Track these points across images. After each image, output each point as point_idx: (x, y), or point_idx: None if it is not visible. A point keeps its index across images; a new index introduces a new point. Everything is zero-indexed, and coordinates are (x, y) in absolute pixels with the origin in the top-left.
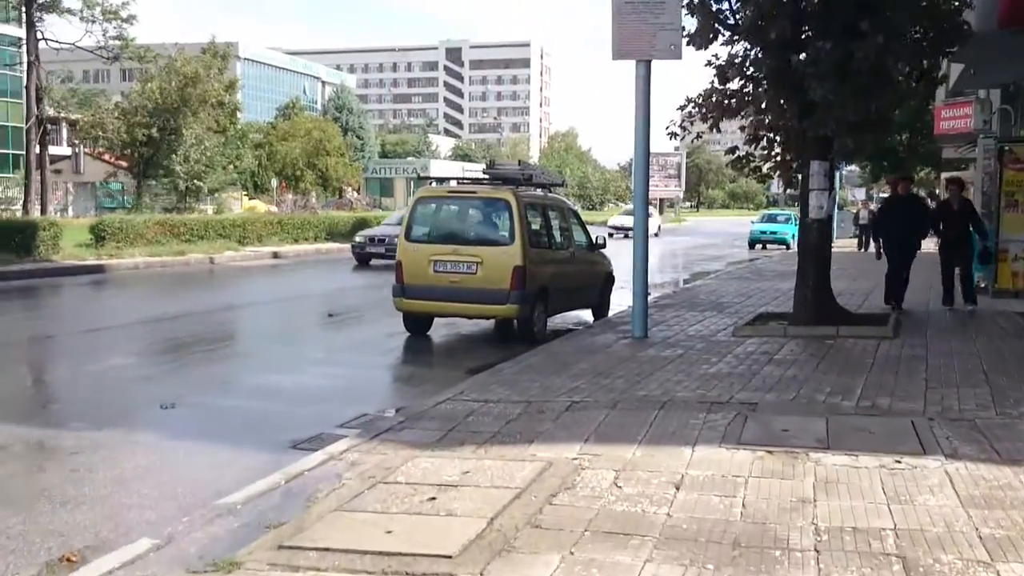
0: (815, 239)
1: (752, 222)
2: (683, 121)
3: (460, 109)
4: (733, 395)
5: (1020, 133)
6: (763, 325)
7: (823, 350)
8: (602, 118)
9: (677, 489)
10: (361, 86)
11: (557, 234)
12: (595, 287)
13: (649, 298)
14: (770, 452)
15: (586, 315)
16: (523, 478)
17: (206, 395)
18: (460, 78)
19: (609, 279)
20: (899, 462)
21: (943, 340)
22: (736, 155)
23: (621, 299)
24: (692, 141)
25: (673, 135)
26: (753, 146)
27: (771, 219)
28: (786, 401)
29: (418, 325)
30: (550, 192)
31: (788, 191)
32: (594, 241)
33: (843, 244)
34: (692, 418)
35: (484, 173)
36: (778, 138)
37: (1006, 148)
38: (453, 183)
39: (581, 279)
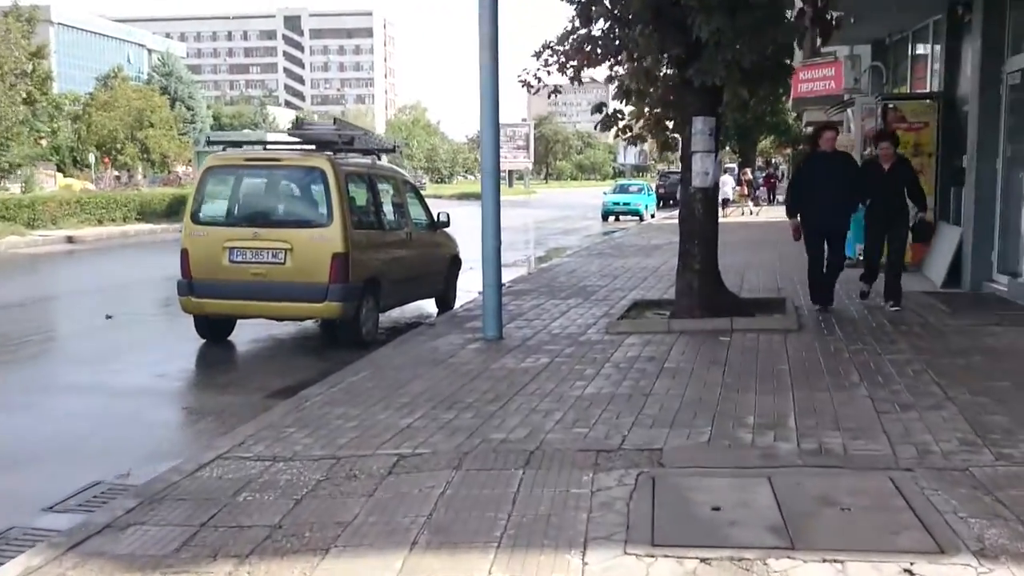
0: (700, 213)
1: (604, 193)
2: (538, 71)
3: (301, 80)
4: (625, 435)
5: (893, 91)
6: (641, 317)
7: (721, 351)
8: (450, 91)
9: None
10: (194, 56)
11: (389, 211)
12: (438, 273)
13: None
14: (707, 562)
15: (429, 306)
16: None
17: None
18: (300, 48)
19: (455, 263)
20: (911, 573)
21: (858, 335)
22: (604, 113)
23: (469, 283)
24: (550, 96)
25: (527, 85)
26: (623, 101)
27: (623, 190)
28: (701, 445)
29: (214, 330)
30: (379, 160)
31: (634, 162)
32: (436, 218)
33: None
34: (574, 484)
35: (289, 135)
36: (653, 91)
37: (891, 106)
38: (251, 148)
39: (421, 265)
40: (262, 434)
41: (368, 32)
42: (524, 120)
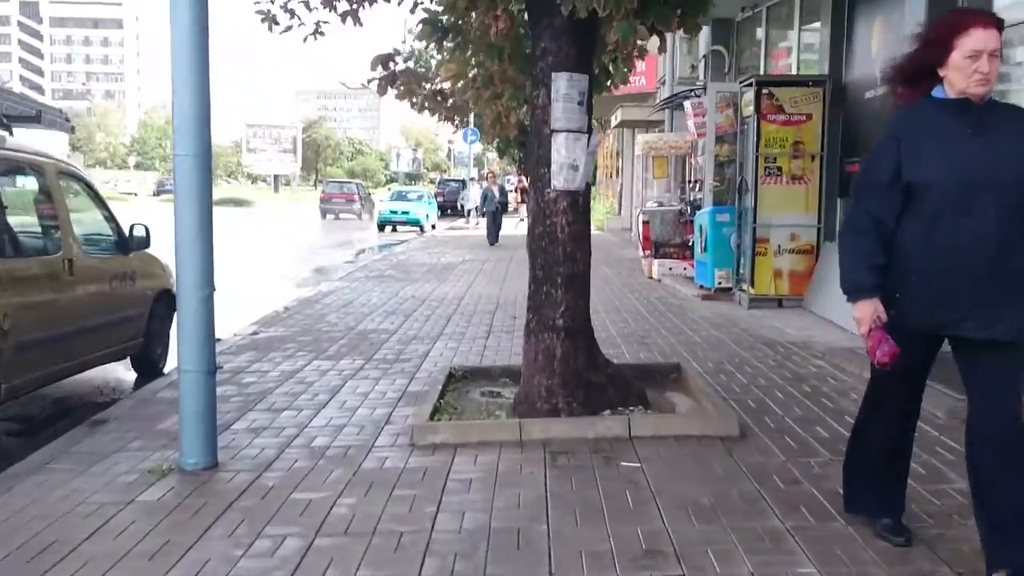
0: (566, 233)
1: (380, 200)
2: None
3: (40, 72)
4: None
5: (737, 80)
6: (466, 407)
7: (647, 509)
8: (213, 92)
9: None
10: None
11: (26, 224)
12: (133, 320)
13: (237, 335)
14: None
15: (122, 370)
16: None
17: None
18: (39, 36)
19: (165, 302)
20: None
21: (833, 441)
22: (392, 69)
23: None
24: (305, 40)
25: (270, 22)
26: (435, 51)
27: (402, 197)
28: None
29: None
30: (11, 137)
31: (408, 170)
32: (128, 234)
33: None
34: None
35: None
36: (493, 29)
37: (765, 91)
38: None
39: (97, 310)
40: None
41: (118, 23)
42: (291, 124)
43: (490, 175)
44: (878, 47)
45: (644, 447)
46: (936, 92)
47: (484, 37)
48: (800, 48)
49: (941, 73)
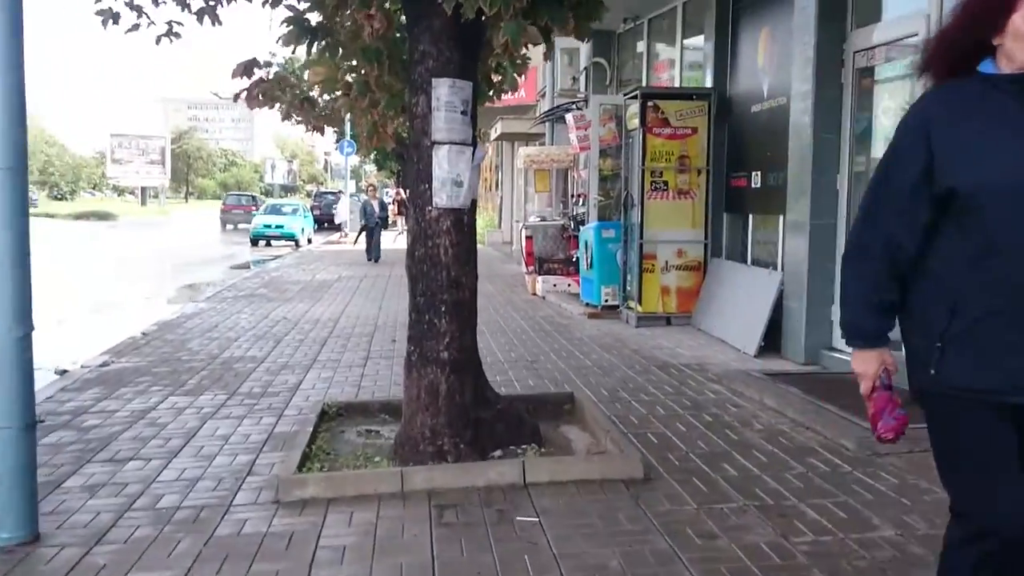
0: (449, 256)
1: (254, 214)
2: None
3: None
4: None
5: (620, 92)
6: (339, 450)
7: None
8: (74, 101)
9: None
10: None
11: None
12: None
13: (85, 366)
14: None
15: None
16: None
17: None
18: None
19: None
20: None
21: (743, 481)
22: (260, 77)
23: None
24: (162, 40)
25: (110, 19)
26: (307, 51)
27: (276, 211)
28: None
29: None
30: None
31: (283, 182)
32: None
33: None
34: None
35: None
36: (368, 28)
37: (651, 104)
38: None
39: None
40: None
41: None
42: (162, 137)
43: (370, 188)
44: (764, 60)
45: (542, 496)
46: (984, 67)
47: (357, 39)
48: (683, 61)
49: (995, 42)
